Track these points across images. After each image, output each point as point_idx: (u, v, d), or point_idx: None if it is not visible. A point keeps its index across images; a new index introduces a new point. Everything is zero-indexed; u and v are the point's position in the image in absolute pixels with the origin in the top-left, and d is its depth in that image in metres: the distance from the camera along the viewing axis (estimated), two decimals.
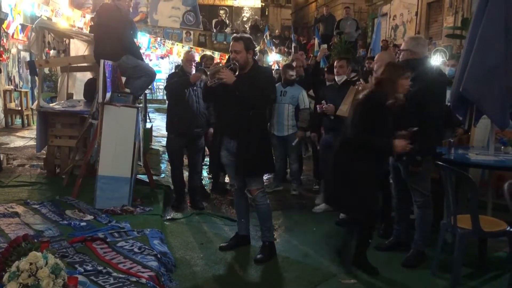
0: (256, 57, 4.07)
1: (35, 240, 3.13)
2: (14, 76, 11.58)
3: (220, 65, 4.06)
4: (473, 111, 4.44)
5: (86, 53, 6.69)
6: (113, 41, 5.10)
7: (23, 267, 2.64)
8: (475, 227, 3.45)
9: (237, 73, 3.81)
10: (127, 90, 5.19)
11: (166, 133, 5.52)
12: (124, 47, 5.20)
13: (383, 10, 18.96)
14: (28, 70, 5.71)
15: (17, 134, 9.23)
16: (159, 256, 3.57)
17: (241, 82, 3.75)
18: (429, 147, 3.79)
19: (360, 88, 4.60)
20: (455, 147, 4.54)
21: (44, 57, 6.29)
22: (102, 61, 4.68)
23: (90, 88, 5.93)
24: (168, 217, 4.91)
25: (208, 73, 3.81)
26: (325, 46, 13.69)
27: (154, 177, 5.93)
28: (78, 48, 7.19)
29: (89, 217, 4.39)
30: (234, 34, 4.11)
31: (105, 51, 5.08)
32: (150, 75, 5.49)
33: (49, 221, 4.23)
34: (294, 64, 6.37)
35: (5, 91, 10.36)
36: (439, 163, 3.68)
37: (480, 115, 4.45)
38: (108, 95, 4.82)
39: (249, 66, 3.89)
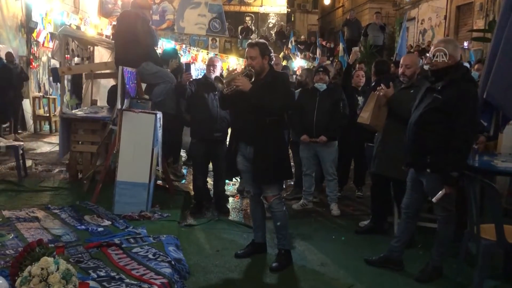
0: (273, 62, 4.02)
1: (51, 245, 3.17)
2: (44, 83, 11.89)
3: (236, 72, 4.03)
4: (499, 117, 4.29)
5: (109, 60, 6.80)
6: (133, 48, 5.16)
7: (34, 272, 2.66)
8: (499, 238, 3.29)
9: (253, 80, 3.78)
10: (146, 97, 5.22)
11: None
12: (144, 54, 5.25)
13: (411, 14, 18.64)
14: (52, 77, 5.84)
15: (45, 140, 9.45)
16: (173, 262, 3.55)
17: (257, 88, 3.71)
18: (461, 162, 3.45)
19: (381, 93, 4.48)
20: (479, 154, 4.36)
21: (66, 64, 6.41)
22: (120, 68, 4.73)
23: (113, 94, 6.01)
24: (185, 223, 4.90)
25: (224, 80, 3.80)
26: (357, 48, 13.47)
27: (174, 183, 5.95)
28: (102, 55, 7.32)
29: (107, 223, 4.42)
30: (249, 41, 4.08)
31: (125, 58, 5.15)
32: (169, 82, 5.52)
33: (67, 226, 4.28)
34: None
35: (34, 98, 10.65)
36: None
37: (507, 121, 4.30)
38: (127, 101, 4.86)
39: (265, 72, 3.85)
